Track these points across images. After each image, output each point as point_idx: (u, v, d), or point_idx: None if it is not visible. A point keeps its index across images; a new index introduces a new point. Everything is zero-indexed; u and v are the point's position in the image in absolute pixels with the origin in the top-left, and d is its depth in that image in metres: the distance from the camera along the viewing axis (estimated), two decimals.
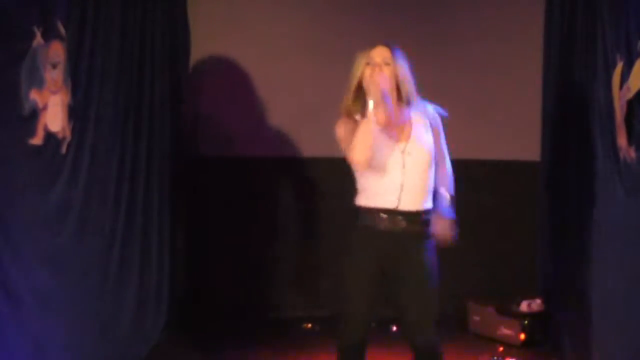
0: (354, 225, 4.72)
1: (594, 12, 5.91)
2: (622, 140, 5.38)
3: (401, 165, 4.62)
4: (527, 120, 7.32)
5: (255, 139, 7.34)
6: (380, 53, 4.71)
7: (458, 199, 7.49)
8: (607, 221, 5.66)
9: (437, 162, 4.84)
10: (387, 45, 4.75)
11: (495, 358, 6.41)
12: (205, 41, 7.23)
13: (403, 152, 4.64)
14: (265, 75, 7.28)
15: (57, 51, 5.23)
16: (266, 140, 7.41)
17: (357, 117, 4.66)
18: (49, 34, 5.14)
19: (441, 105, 7.44)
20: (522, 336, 6.63)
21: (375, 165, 4.60)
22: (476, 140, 7.49)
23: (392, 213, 4.62)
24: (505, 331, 6.75)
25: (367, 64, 4.68)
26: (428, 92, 7.39)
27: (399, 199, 4.62)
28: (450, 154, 5.02)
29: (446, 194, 4.87)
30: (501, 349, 6.61)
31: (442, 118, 4.95)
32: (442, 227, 4.78)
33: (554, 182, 6.59)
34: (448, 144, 6.93)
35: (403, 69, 4.73)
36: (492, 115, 7.47)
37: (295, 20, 7.40)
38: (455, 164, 7.49)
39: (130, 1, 6.18)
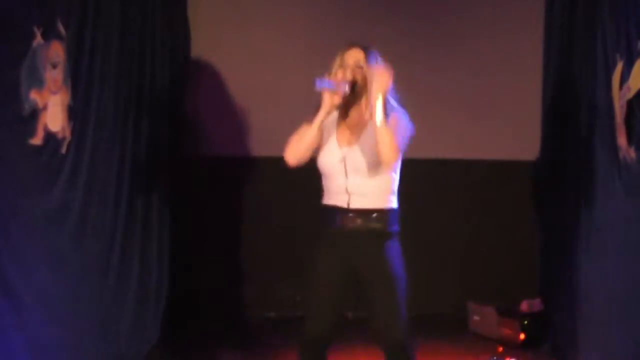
0: (320, 229, 4.77)
1: (594, 12, 5.91)
2: (622, 140, 5.38)
3: (343, 171, 4.65)
4: (527, 120, 7.32)
5: (255, 139, 7.35)
6: (353, 55, 4.70)
7: (458, 199, 7.55)
8: (606, 221, 5.66)
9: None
10: (360, 46, 4.72)
11: (495, 358, 6.41)
12: (205, 41, 7.24)
13: (345, 158, 4.65)
14: (265, 76, 7.28)
15: (57, 51, 5.23)
16: (266, 141, 7.40)
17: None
18: (49, 34, 5.14)
19: (441, 105, 7.49)
20: (522, 336, 6.64)
21: (321, 168, 4.71)
22: (476, 140, 7.50)
23: (345, 211, 4.65)
24: (505, 331, 6.76)
25: (340, 65, 4.68)
26: (428, 92, 7.45)
27: (348, 202, 4.65)
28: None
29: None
30: (501, 348, 6.62)
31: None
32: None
33: (553, 182, 6.59)
34: (448, 143, 6.97)
35: (376, 72, 4.62)
36: (492, 115, 7.48)
37: (294, 21, 7.41)
38: (456, 164, 7.56)
39: (130, 1, 6.19)
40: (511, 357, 6.40)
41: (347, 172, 4.64)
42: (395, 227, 4.74)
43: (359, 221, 4.65)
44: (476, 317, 7.06)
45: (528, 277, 7.04)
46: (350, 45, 4.74)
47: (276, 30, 7.36)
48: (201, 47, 7.22)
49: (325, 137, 4.74)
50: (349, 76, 4.63)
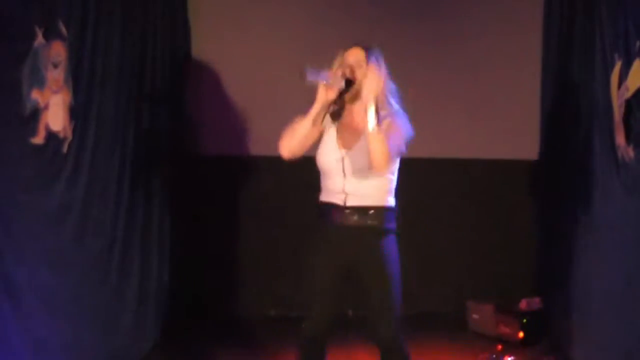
0: (317, 223, 4.78)
1: (593, 12, 5.92)
2: (620, 139, 5.38)
3: (341, 172, 4.66)
4: (526, 119, 7.33)
5: (255, 138, 7.34)
6: (354, 54, 4.70)
7: (458, 198, 7.55)
8: (605, 219, 5.66)
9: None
10: (362, 46, 4.72)
11: (494, 356, 6.41)
12: (205, 41, 7.24)
13: (342, 159, 4.66)
14: (265, 75, 7.28)
15: (58, 51, 5.23)
16: (266, 140, 7.38)
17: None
18: (51, 34, 5.14)
19: (441, 104, 7.49)
20: (521, 334, 6.64)
21: (320, 167, 4.73)
22: (476, 140, 7.50)
23: (341, 208, 4.66)
24: (504, 329, 6.76)
25: (341, 65, 4.68)
26: (427, 91, 7.45)
27: (345, 200, 4.66)
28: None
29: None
30: (500, 347, 6.62)
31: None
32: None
33: (552, 181, 6.60)
34: (448, 143, 6.95)
35: (376, 71, 4.64)
36: (492, 114, 7.48)
37: (294, 20, 7.41)
38: (455, 163, 7.55)
39: (131, 2, 6.19)
40: (510, 355, 6.40)
41: (345, 172, 4.65)
42: (392, 225, 4.73)
43: (355, 217, 4.66)
44: (475, 316, 7.06)
45: (527, 276, 7.05)
46: (353, 44, 4.74)
47: (276, 30, 7.36)
48: (202, 47, 7.22)
49: (325, 133, 4.75)
50: (346, 72, 4.62)
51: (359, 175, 4.63)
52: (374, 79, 4.54)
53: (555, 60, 6.66)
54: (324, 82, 4.57)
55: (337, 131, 4.74)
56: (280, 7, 7.40)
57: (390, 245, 4.71)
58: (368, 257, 4.66)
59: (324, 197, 4.76)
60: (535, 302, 6.79)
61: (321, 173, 4.76)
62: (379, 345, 4.72)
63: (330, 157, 4.68)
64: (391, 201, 4.75)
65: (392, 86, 4.76)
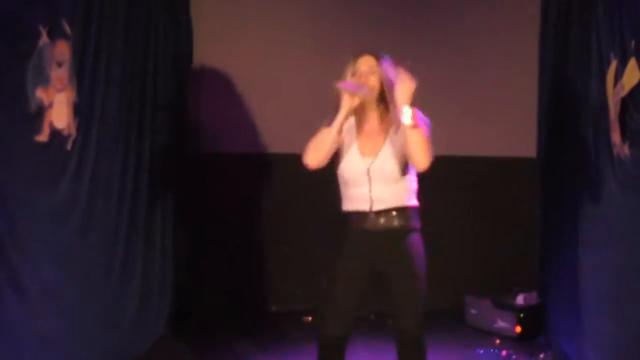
0: (343, 229, 4.78)
1: (589, 12, 5.92)
2: (616, 136, 5.39)
3: (367, 180, 4.68)
4: (524, 117, 7.33)
5: (258, 136, 7.35)
6: (366, 62, 4.72)
7: (455, 195, 7.57)
8: (601, 216, 5.67)
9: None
10: (372, 53, 4.75)
11: (492, 350, 6.43)
12: (208, 41, 7.24)
13: (369, 169, 4.68)
14: (266, 75, 7.29)
15: (62, 50, 5.25)
16: (268, 138, 7.43)
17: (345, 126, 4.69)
18: (55, 34, 5.16)
19: (441, 103, 7.49)
20: (518, 329, 6.65)
21: (345, 178, 4.73)
22: (474, 138, 7.52)
23: (367, 213, 4.68)
24: (501, 324, 6.78)
25: (354, 74, 4.69)
26: (425, 90, 7.44)
27: (371, 206, 4.68)
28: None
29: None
30: (498, 341, 6.64)
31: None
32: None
33: (549, 178, 6.61)
34: (447, 141, 6.93)
35: (389, 76, 4.69)
36: (489, 113, 7.49)
37: (296, 21, 7.41)
38: (455, 160, 7.56)
39: (134, 1, 6.19)
40: (507, 349, 6.42)
41: (371, 180, 4.67)
42: (416, 223, 4.77)
43: (381, 220, 4.69)
44: (473, 311, 7.07)
45: (524, 271, 7.06)
46: (361, 52, 4.76)
47: (279, 29, 7.37)
48: (203, 46, 7.22)
49: (346, 143, 4.75)
50: (371, 81, 4.65)
51: (384, 182, 4.67)
52: (406, 82, 4.56)
53: (552, 58, 6.66)
54: (353, 90, 4.57)
55: (358, 140, 4.74)
56: (281, 8, 7.40)
57: (417, 243, 4.75)
58: (396, 256, 4.69)
59: (349, 205, 4.77)
60: (532, 298, 6.80)
61: (343, 183, 4.77)
62: (402, 342, 4.73)
63: (357, 168, 4.69)
64: (414, 200, 4.79)
65: None
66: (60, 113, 5.25)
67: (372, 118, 4.76)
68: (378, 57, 4.75)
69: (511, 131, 7.48)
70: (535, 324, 6.66)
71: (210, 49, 7.28)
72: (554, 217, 6.48)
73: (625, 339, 5.24)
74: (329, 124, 4.61)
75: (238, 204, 7.46)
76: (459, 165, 7.56)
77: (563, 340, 6.21)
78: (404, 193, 4.74)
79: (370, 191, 4.67)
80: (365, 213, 4.69)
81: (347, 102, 4.57)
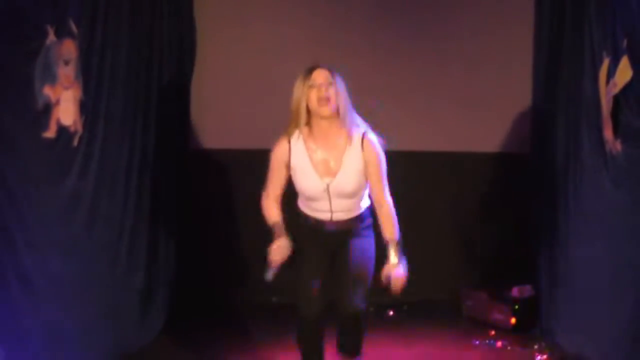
0: (299, 223, 5.05)
1: (582, 11, 5.93)
2: (608, 133, 5.41)
3: (327, 197, 4.87)
4: (518, 114, 7.34)
5: (258, 132, 7.34)
6: (321, 74, 4.81)
7: (451, 190, 7.57)
8: (594, 211, 5.69)
9: (376, 203, 4.95)
10: (325, 67, 4.83)
11: (487, 341, 6.44)
12: (211, 39, 7.24)
13: (327, 187, 4.84)
14: (268, 72, 7.29)
15: (69, 48, 5.25)
16: (269, 134, 7.41)
17: (295, 137, 4.90)
18: (62, 32, 5.16)
19: (436, 100, 7.50)
20: (513, 320, 6.66)
21: (305, 195, 4.95)
22: (469, 134, 7.51)
23: (327, 222, 4.94)
24: (496, 316, 6.78)
25: (311, 86, 4.78)
26: (423, 88, 7.48)
27: (331, 217, 4.93)
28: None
29: (392, 241, 4.87)
30: (493, 332, 6.64)
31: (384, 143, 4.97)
32: (394, 276, 4.79)
33: (543, 174, 6.61)
34: (443, 137, 6.96)
35: (341, 88, 4.80)
36: (484, 109, 7.48)
37: (297, 19, 7.41)
38: (450, 156, 7.57)
39: (139, 1, 6.20)
40: (502, 340, 6.43)
41: (331, 197, 4.87)
42: (369, 221, 4.99)
43: (340, 225, 4.93)
44: (469, 303, 7.08)
45: (519, 264, 7.06)
46: (313, 67, 4.86)
47: (280, 28, 7.36)
48: (206, 44, 7.23)
49: (297, 163, 4.93)
50: (330, 93, 4.77)
51: (344, 197, 4.87)
52: (399, 280, 4.79)
53: (546, 57, 6.67)
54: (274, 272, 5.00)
55: (312, 159, 4.87)
56: (283, 6, 7.40)
57: (369, 234, 4.98)
58: (350, 242, 4.92)
59: (308, 211, 5.00)
60: (527, 290, 6.80)
61: (301, 195, 5.00)
62: (344, 318, 4.93)
63: (314, 187, 4.87)
64: (367, 202, 5.00)
65: (349, 103, 4.89)
66: (67, 110, 5.25)
67: (326, 131, 4.86)
68: (331, 70, 4.83)
69: (506, 128, 7.49)
70: (529, 316, 6.66)
71: (213, 47, 7.28)
72: (548, 212, 6.48)
73: (617, 330, 5.27)
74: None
75: (239, 198, 7.45)
76: (454, 161, 7.57)
77: (557, 332, 6.23)
78: (360, 202, 4.95)
79: (330, 204, 4.89)
80: (325, 221, 4.93)
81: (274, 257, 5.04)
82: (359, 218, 4.95)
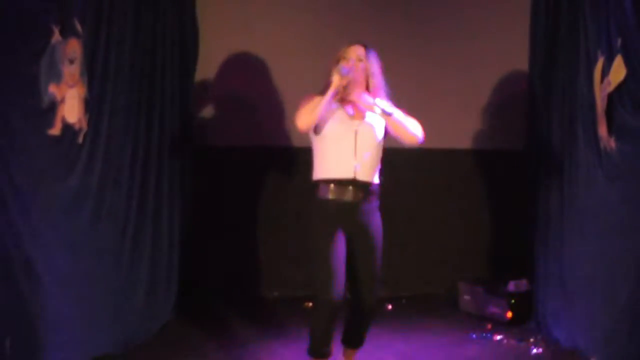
0: (312, 199, 4.99)
1: (577, 11, 5.94)
2: (602, 130, 5.42)
3: (353, 138, 4.90)
4: (514, 112, 7.36)
5: (260, 130, 7.37)
6: (355, 50, 5.02)
7: (449, 187, 7.59)
8: (588, 206, 5.69)
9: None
10: (362, 44, 5.05)
11: (484, 334, 6.46)
12: (213, 38, 7.25)
13: (357, 128, 4.93)
14: (269, 70, 7.30)
15: (74, 48, 5.26)
16: (270, 131, 7.44)
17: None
18: (67, 32, 5.17)
19: (435, 99, 7.51)
20: (509, 314, 6.67)
21: (329, 139, 4.93)
22: (467, 132, 7.54)
23: (349, 183, 4.89)
24: (493, 309, 6.79)
25: (343, 58, 4.99)
26: (420, 86, 7.48)
27: (355, 169, 4.90)
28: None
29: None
30: (490, 326, 6.65)
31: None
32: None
33: (539, 170, 6.62)
34: (442, 135, 6.96)
35: (373, 66, 5.02)
36: (482, 108, 7.51)
37: (297, 19, 7.42)
38: (448, 153, 7.59)
39: (143, 1, 6.20)
40: (499, 333, 6.44)
41: (357, 144, 4.90)
42: (379, 201, 5.06)
43: (360, 195, 4.92)
44: (466, 297, 7.09)
45: (515, 259, 7.07)
46: (352, 42, 5.08)
47: (280, 29, 7.37)
48: (209, 44, 7.23)
49: (330, 114, 4.96)
50: (359, 67, 4.96)
51: (367, 148, 4.93)
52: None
53: (542, 56, 6.67)
54: (347, 74, 4.86)
55: (342, 107, 4.98)
56: (284, 7, 7.41)
57: (380, 221, 5.04)
58: (369, 233, 4.98)
59: (327, 173, 4.95)
60: (523, 284, 6.82)
61: (325, 148, 4.96)
62: (363, 311, 5.07)
63: (345, 127, 4.92)
64: (378, 180, 5.06)
65: (382, 81, 5.09)
66: (72, 108, 5.26)
67: (352, 100, 5.02)
68: (366, 48, 5.05)
69: (503, 126, 7.51)
70: (525, 310, 6.68)
71: (215, 46, 7.28)
72: (543, 208, 6.49)
73: (610, 322, 5.28)
74: (322, 93, 4.86)
75: (241, 193, 7.48)
76: (452, 157, 7.59)
77: (552, 325, 6.24)
78: (376, 168, 5.00)
79: (355, 155, 4.89)
80: (348, 182, 4.89)
81: (337, 81, 4.83)
82: (375, 192, 4.99)
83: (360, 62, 4.97)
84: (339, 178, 4.90)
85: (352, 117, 4.95)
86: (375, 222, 5.01)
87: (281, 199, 7.45)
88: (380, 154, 5.03)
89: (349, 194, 4.90)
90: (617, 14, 5.18)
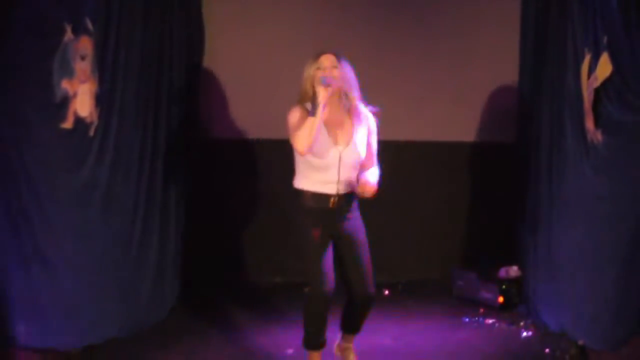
0: (298, 206, 5.05)
1: (565, 10, 5.95)
2: (589, 124, 5.44)
3: (337, 164, 4.92)
4: (505, 106, 7.36)
5: (263, 123, 7.37)
6: (328, 59, 4.95)
7: (442, 178, 7.60)
8: (575, 197, 5.71)
9: (367, 167, 5.09)
10: (333, 53, 4.99)
11: (477, 318, 6.48)
12: (218, 36, 7.24)
13: (340, 154, 4.93)
14: (272, 67, 7.31)
15: (85, 45, 5.28)
16: (274, 125, 7.44)
17: (308, 107, 4.93)
18: (78, 30, 5.19)
19: (429, 93, 7.52)
20: (501, 299, 6.68)
21: (316, 161, 4.94)
22: (459, 124, 7.54)
23: (333, 196, 4.96)
24: (485, 295, 6.80)
25: (318, 68, 4.93)
26: (417, 82, 7.50)
27: (338, 189, 4.96)
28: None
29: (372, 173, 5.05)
30: (482, 310, 6.66)
31: (379, 114, 5.13)
32: (367, 182, 4.91)
33: (528, 162, 6.64)
34: (436, 127, 6.99)
35: (346, 72, 4.96)
36: (474, 102, 7.51)
37: (301, 16, 7.42)
38: (441, 145, 7.60)
39: (151, 1, 6.20)
40: (491, 317, 6.46)
41: (341, 167, 4.93)
42: (357, 201, 5.10)
43: (342, 202, 4.99)
44: (460, 282, 7.10)
45: (506, 246, 7.08)
46: (322, 52, 5.01)
47: (282, 27, 7.37)
48: (214, 41, 7.23)
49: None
50: (335, 75, 4.89)
51: (350, 167, 4.98)
52: (367, 187, 4.89)
53: (531, 53, 6.69)
54: (331, 84, 4.82)
55: (326, 127, 4.95)
56: (286, 6, 7.41)
57: (359, 216, 5.12)
58: (354, 229, 5.06)
59: (313, 187, 5.00)
60: (514, 270, 6.83)
61: (309, 170, 5.00)
62: (362, 300, 5.10)
63: (330, 155, 4.93)
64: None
65: (356, 84, 5.05)
66: (83, 102, 5.29)
67: (333, 108, 4.99)
68: (337, 55, 4.99)
69: (494, 119, 7.51)
70: (516, 295, 6.69)
71: (221, 44, 7.27)
72: (532, 197, 6.51)
73: (597, 306, 5.31)
74: (312, 114, 4.81)
75: (244, 183, 7.47)
76: (445, 149, 7.60)
77: (541, 309, 6.26)
78: (356, 179, 5.03)
79: (339, 176, 4.93)
80: (331, 195, 4.96)
81: (323, 93, 4.81)
82: (354, 196, 5.03)
83: (334, 69, 4.91)
84: (320, 192, 4.98)
85: (335, 142, 4.95)
86: (356, 218, 5.08)
87: (284, 188, 7.44)
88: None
89: (330, 203, 4.97)
90: (604, 13, 5.20)
